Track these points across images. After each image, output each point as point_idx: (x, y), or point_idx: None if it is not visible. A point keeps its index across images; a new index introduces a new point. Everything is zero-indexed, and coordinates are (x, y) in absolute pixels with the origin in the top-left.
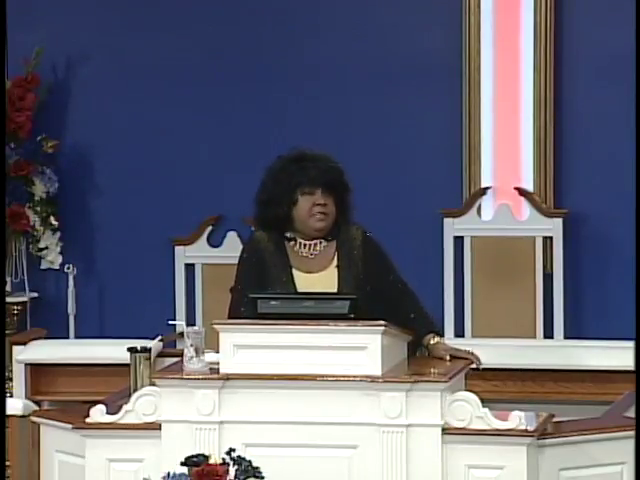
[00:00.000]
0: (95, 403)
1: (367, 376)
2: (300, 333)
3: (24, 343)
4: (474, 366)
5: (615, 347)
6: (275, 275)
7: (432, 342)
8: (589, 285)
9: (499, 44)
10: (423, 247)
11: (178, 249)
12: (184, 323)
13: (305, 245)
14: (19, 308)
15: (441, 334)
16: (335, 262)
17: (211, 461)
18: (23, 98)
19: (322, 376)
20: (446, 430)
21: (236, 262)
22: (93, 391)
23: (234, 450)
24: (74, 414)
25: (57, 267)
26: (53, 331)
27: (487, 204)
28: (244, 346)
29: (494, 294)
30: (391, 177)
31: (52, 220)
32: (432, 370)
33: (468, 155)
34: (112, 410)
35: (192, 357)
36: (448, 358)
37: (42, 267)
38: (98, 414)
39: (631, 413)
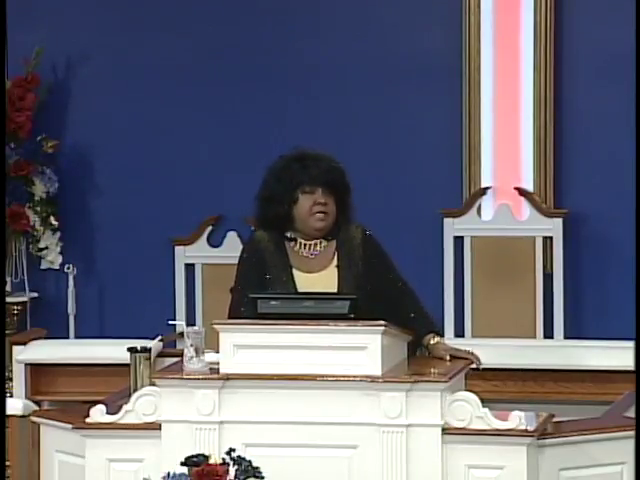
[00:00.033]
0: (95, 403)
1: (367, 376)
2: (300, 333)
3: (24, 343)
4: (474, 366)
5: (615, 347)
6: (275, 275)
7: (432, 342)
8: (589, 285)
9: (499, 44)
10: (423, 247)
11: (178, 249)
12: (184, 323)
13: (305, 245)
14: (19, 308)
15: (441, 334)
16: (335, 262)
17: (211, 461)
18: (23, 98)
19: (322, 376)
20: (446, 430)
21: (236, 262)
22: (93, 391)
23: (234, 450)
24: (74, 414)
25: (57, 267)
26: (53, 331)
27: (487, 204)
28: (244, 346)
29: (494, 294)
30: (391, 177)
31: (52, 220)
32: (432, 370)
33: (468, 155)
34: (112, 410)
35: (192, 357)
36: (448, 358)
37: (42, 267)
38: (98, 414)
39: (631, 413)
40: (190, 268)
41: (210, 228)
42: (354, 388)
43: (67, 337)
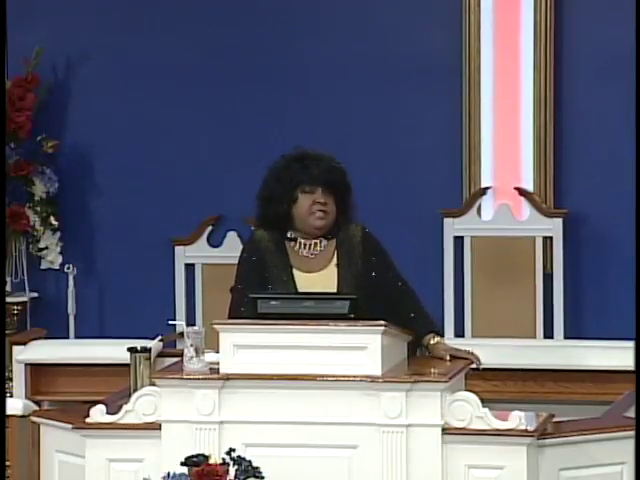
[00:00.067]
0: (95, 403)
1: (367, 376)
2: (300, 333)
3: (24, 343)
4: (474, 366)
5: (615, 347)
6: (275, 275)
7: (432, 342)
8: (589, 285)
9: (499, 43)
10: (423, 247)
11: (178, 249)
12: (184, 323)
13: (305, 245)
14: (19, 308)
15: (441, 334)
16: (335, 260)
17: (211, 461)
18: (23, 98)
19: (322, 376)
20: (446, 430)
21: (236, 262)
22: (93, 391)
23: (234, 450)
24: (74, 414)
25: (57, 267)
26: (53, 331)
27: (487, 204)
28: (244, 346)
29: (494, 294)
30: (391, 177)
31: (52, 220)
32: (432, 370)
33: (468, 155)
34: (112, 410)
35: (192, 357)
36: (448, 358)
37: (42, 267)
38: (98, 414)
39: (631, 413)
40: (190, 268)
41: (210, 228)
42: (354, 388)
43: (67, 337)
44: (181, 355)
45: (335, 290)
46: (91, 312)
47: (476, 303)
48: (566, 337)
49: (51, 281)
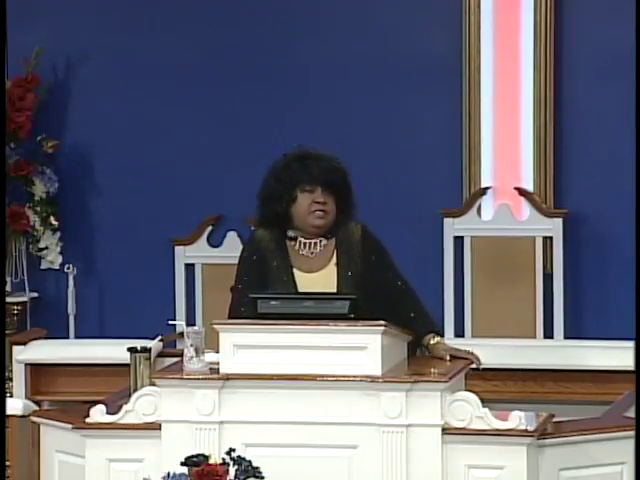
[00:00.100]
0: (95, 403)
1: (367, 376)
2: (300, 333)
3: (24, 343)
4: (474, 366)
5: (615, 347)
6: (276, 275)
7: (432, 342)
8: (589, 285)
9: (499, 44)
10: (423, 247)
11: (178, 249)
12: (184, 323)
13: (305, 244)
14: (19, 308)
15: (441, 334)
16: (334, 260)
17: (211, 461)
18: (23, 98)
19: (322, 376)
20: (446, 430)
21: (236, 262)
22: (93, 391)
23: (234, 450)
24: (74, 414)
25: (57, 267)
26: (53, 331)
27: (487, 204)
28: (244, 346)
29: (494, 294)
30: (391, 177)
31: (52, 220)
32: (432, 370)
33: (468, 155)
34: (112, 410)
35: (192, 357)
36: (448, 358)
37: (42, 267)
38: (98, 414)
39: (631, 413)
40: (190, 268)
41: (210, 228)
42: (354, 388)
43: (67, 337)
44: (181, 355)
45: (335, 290)
46: (91, 312)
47: (476, 303)
48: (566, 337)
49: (51, 281)
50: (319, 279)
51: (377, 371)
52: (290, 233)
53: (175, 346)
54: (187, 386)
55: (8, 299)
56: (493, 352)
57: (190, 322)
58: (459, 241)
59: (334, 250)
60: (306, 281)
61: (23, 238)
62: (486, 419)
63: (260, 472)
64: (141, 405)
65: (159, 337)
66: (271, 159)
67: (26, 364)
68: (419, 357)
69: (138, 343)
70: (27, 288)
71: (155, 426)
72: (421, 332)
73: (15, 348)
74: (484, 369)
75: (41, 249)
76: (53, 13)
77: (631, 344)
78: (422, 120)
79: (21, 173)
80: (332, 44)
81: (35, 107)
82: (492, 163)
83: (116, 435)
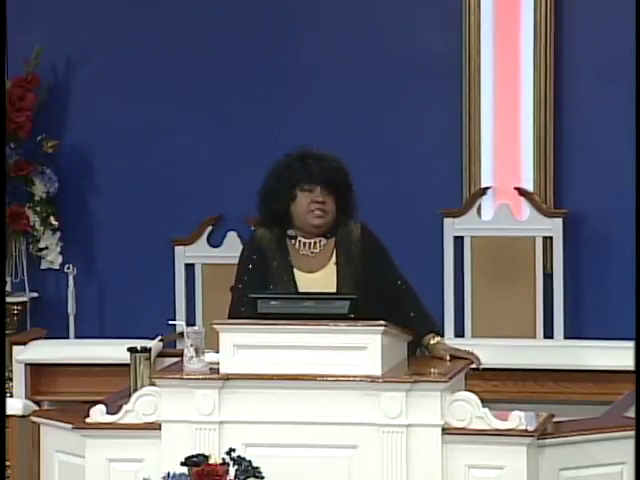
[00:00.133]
0: (95, 403)
1: (367, 376)
2: (300, 333)
3: (24, 343)
4: (474, 366)
5: (615, 347)
6: (276, 275)
7: (432, 342)
8: (589, 285)
9: (499, 44)
10: (423, 247)
11: (178, 249)
12: (184, 323)
13: (305, 244)
14: (19, 308)
15: (441, 334)
16: (334, 259)
17: (211, 461)
18: (23, 98)
19: (322, 376)
20: (446, 430)
21: (236, 262)
22: (93, 391)
23: (234, 450)
24: (74, 414)
25: (57, 267)
26: (53, 331)
27: (487, 204)
28: (244, 346)
29: (494, 294)
30: (391, 177)
31: (52, 220)
32: (432, 370)
33: (468, 155)
34: (112, 410)
35: (192, 357)
36: (448, 358)
37: (42, 267)
38: (98, 414)
39: (631, 413)
40: (190, 268)
41: (210, 228)
42: (354, 388)
43: (67, 337)
44: (181, 355)
45: (335, 289)
46: (91, 312)
47: (476, 303)
48: (566, 337)
49: (51, 281)
50: (319, 279)
51: (377, 371)
52: (290, 232)
53: (175, 346)
54: (187, 386)
55: (8, 299)
56: (493, 352)
57: (190, 322)
58: (459, 241)
59: (333, 249)
60: (306, 281)
61: (23, 238)
62: (486, 419)
63: (260, 472)
64: (141, 405)
65: (159, 337)
66: (271, 159)
67: (26, 364)
68: (419, 357)
69: (138, 343)
70: (27, 288)
71: (155, 426)
72: (421, 332)
73: (15, 348)
74: (484, 369)
75: (41, 249)
76: (53, 13)
77: (631, 344)
78: (422, 120)
79: (21, 173)
80: (332, 44)
81: (35, 107)
82: (492, 163)
83: (116, 435)
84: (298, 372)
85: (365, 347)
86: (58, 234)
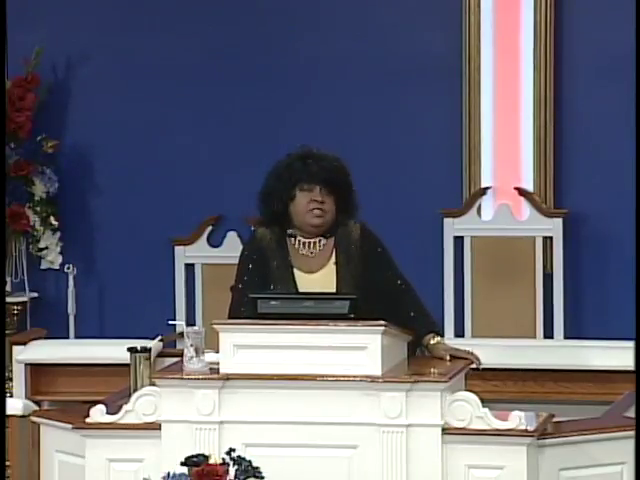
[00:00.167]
0: (95, 403)
1: (367, 376)
2: (300, 333)
3: (24, 343)
4: (474, 366)
5: (615, 347)
6: (276, 274)
7: (432, 342)
8: (589, 285)
9: (499, 44)
10: (423, 247)
11: (178, 249)
12: (184, 323)
13: (305, 243)
14: (19, 308)
15: (441, 334)
16: (333, 259)
17: (211, 461)
18: (23, 98)
19: (322, 376)
20: (446, 430)
21: (236, 262)
22: (93, 391)
23: (234, 450)
24: (74, 414)
25: (57, 267)
26: (53, 331)
27: (487, 204)
28: (244, 346)
29: (494, 294)
30: (391, 177)
31: (52, 220)
32: (432, 370)
33: (468, 155)
34: (112, 410)
35: (192, 357)
36: (448, 358)
37: (42, 267)
38: (98, 414)
39: (631, 413)
40: (190, 268)
41: (210, 228)
42: (354, 388)
43: (67, 337)
44: (181, 355)
45: (335, 289)
46: (91, 312)
47: (476, 303)
48: (566, 337)
49: (51, 281)
50: (319, 279)
51: (377, 371)
52: (290, 231)
53: (175, 346)
54: (187, 386)
55: (8, 299)
56: (493, 352)
57: (190, 322)
58: (459, 241)
59: (333, 249)
60: (306, 281)
61: (23, 238)
62: (486, 419)
63: (260, 472)
64: (141, 405)
65: (159, 337)
66: (271, 159)
67: (26, 364)
68: (419, 357)
69: (138, 343)
70: (27, 288)
71: (155, 426)
72: (421, 332)
73: (15, 348)
74: (484, 369)
75: (41, 249)
76: (53, 13)
77: (631, 344)
78: (422, 120)
79: (21, 173)
80: (332, 44)
81: (35, 107)
82: (492, 163)
83: (116, 435)
84: (298, 372)
85: (365, 347)
86: (58, 234)
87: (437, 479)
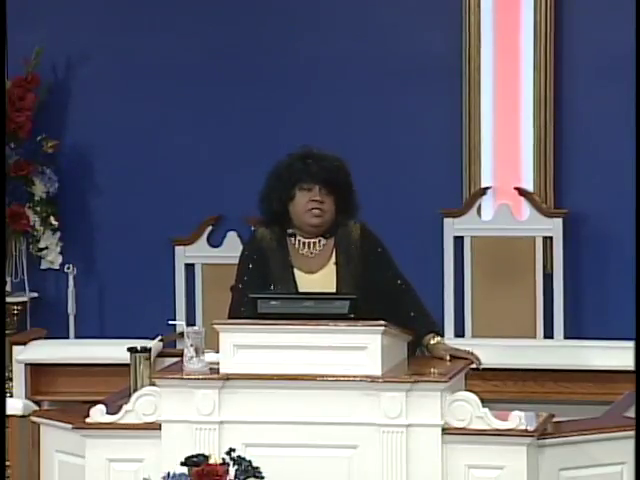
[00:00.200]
0: (95, 403)
1: (367, 376)
2: (300, 333)
3: (24, 343)
4: (474, 366)
5: (615, 347)
6: (276, 275)
7: (432, 342)
8: (589, 285)
9: (499, 44)
10: (423, 247)
11: (178, 249)
12: (184, 323)
13: (304, 244)
14: (19, 308)
15: (441, 334)
16: (333, 259)
17: (211, 461)
18: (23, 98)
19: (322, 376)
20: (446, 430)
21: (236, 262)
22: (93, 391)
23: (234, 450)
24: (74, 414)
25: (57, 267)
26: (53, 331)
27: (487, 204)
28: (244, 346)
29: (494, 294)
30: (391, 177)
31: (52, 220)
32: (432, 370)
33: (468, 155)
34: (112, 410)
35: (192, 357)
36: (448, 358)
37: (42, 267)
38: (98, 414)
39: (631, 413)
40: (190, 268)
41: (210, 228)
42: (354, 388)
43: (67, 337)
44: (181, 355)
45: (335, 290)
46: (91, 312)
47: (476, 303)
48: (566, 337)
49: (51, 281)
50: (319, 280)
51: (377, 371)
52: (289, 231)
53: (175, 346)
54: (187, 386)
55: (8, 299)
56: (493, 352)
57: (190, 322)
58: (459, 241)
59: (333, 250)
60: (306, 281)
61: (23, 238)
62: (486, 419)
63: (260, 472)
64: (141, 405)
65: (159, 337)
66: (271, 159)
67: (26, 364)
68: (419, 357)
69: (138, 343)
70: (27, 288)
71: (155, 426)
72: (421, 332)
73: (15, 348)
74: (484, 369)
75: (41, 249)
76: (53, 13)
77: (631, 344)
78: (422, 120)
79: (21, 173)
80: (332, 44)
81: (35, 107)
82: (492, 163)
83: (116, 435)
84: (298, 372)
85: (365, 347)
86: (58, 234)
87: (437, 479)
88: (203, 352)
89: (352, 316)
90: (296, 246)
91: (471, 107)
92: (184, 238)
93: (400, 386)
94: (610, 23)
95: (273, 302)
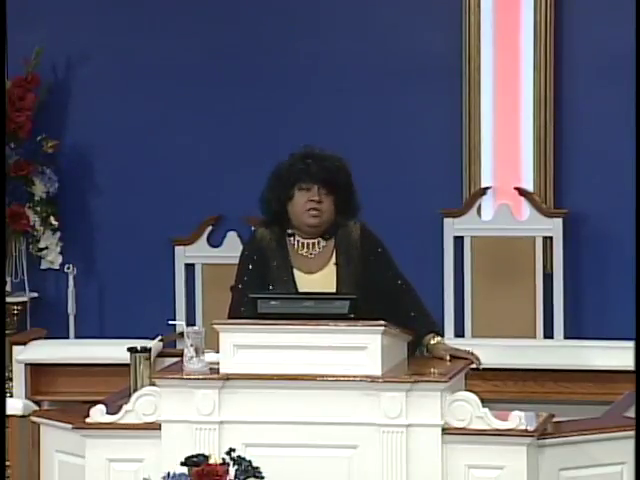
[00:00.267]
0: (95, 403)
1: (367, 376)
2: (300, 333)
3: (24, 343)
4: (474, 366)
5: (615, 347)
6: (276, 275)
7: (432, 342)
8: (589, 285)
9: (499, 43)
10: (423, 247)
11: (178, 249)
12: (184, 323)
13: (304, 244)
14: (19, 308)
15: (441, 334)
16: (333, 259)
17: (211, 461)
18: (23, 98)
19: (322, 376)
20: (446, 430)
21: (236, 262)
22: (93, 391)
23: (234, 450)
24: (74, 414)
25: (57, 267)
26: (53, 331)
27: (487, 204)
28: (244, 346)
29: (494, 294)
30: (391, 177)
31: (52, 220)
32: (432, 370)
33: (468, 155)
34: (112, 410)
35: (192, 357)
36: (448, 358)
37: (42, 267)
38: (98, 414)
39: (631, 413)
40: (190, 268)
41: (210, 228)
42: (354, 388)
43: (67, 337)
44: (181, 355)
45: (335, 290)
46: (91, 312)
47: (476, 303)
48: (566, 337)
49: (51, 281)
50: (319, 280)
51: (377, 371)
52: (289, 231)
53: (175, 346)
54: (187, 386)
55: (8, 299)
56: (493, 352)
57: (190, 322)
58: (459, 241)
59: (333, 250)
60: (306, 282)
61: (23, 238)
62: (486, 419)
63: (260, 472)
64: (141, 405)
65: (159, 337)
66: (271, 159)
67: (26, 364)
68: (419, 357)
69: (138, 343)
70: (27, 288)
71: (155, 426)
72: (421, 332)
73: (15, 348)
74: (484, 369)
75: (41, 249)
76: (53, 13)
77: (631, 344)
78: (422, 120)
79: (21, 173)
80: (332, 44)
81: (35, 107)
82: (492, 163)
83: (116, 435)
84: (298, 372)
85: (365, 347)
86: (58, 234)
87: (437, 479)
88: (203, 352)
89: (352, 316)
90: (296, 246)
91: (471, 107)
92: (184, 238)
93: (400, 386)
94: (610, 23)
95: (273, 302)
